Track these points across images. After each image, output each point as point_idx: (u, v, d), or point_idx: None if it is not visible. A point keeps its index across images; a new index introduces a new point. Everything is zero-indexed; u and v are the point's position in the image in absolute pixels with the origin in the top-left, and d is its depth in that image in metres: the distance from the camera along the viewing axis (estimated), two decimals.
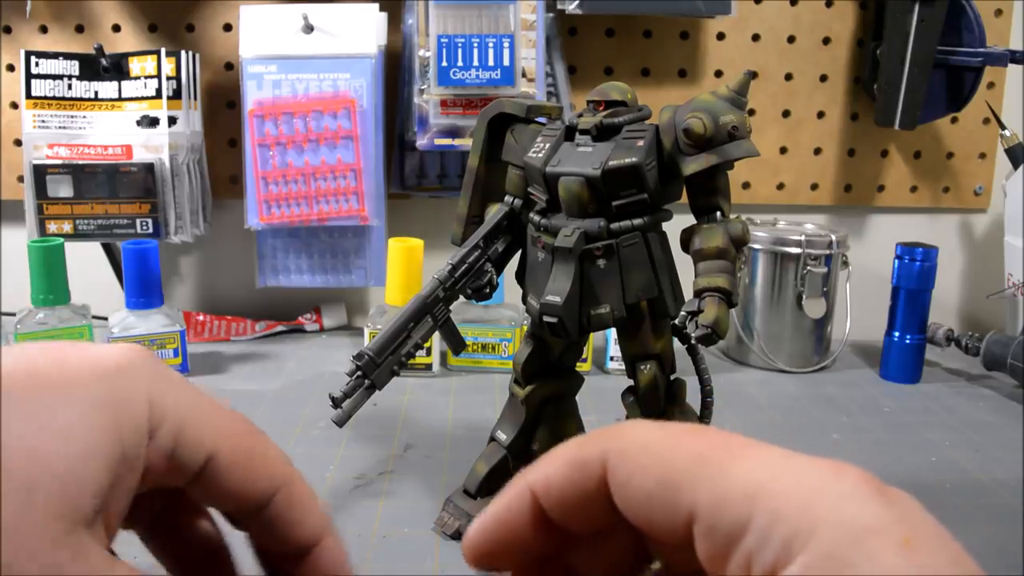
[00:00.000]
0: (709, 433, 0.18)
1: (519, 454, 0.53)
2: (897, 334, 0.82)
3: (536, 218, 0.49)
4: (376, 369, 0.48)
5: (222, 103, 0.91)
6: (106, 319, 0.79)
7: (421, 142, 0.83)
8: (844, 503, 0.15)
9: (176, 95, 0.82)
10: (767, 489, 0.16)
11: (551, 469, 0.20)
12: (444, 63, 0.80)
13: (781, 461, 0.17)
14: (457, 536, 0.51)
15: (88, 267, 0.88)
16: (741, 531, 0.16)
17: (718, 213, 0.48)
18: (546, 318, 0.47)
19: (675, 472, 0.18)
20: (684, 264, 0.49)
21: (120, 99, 0.84)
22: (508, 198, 0.52)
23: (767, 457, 0.17)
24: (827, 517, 0.15)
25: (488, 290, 0.51)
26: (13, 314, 0.78)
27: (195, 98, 0.85)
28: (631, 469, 0.19)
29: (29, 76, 0.82)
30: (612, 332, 0.78)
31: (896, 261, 0.81)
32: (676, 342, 0.51)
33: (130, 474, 0.19)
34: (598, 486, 0.19)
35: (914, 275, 0.80)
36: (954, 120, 0.95)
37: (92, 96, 0.83)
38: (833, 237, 0.82)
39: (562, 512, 0.20)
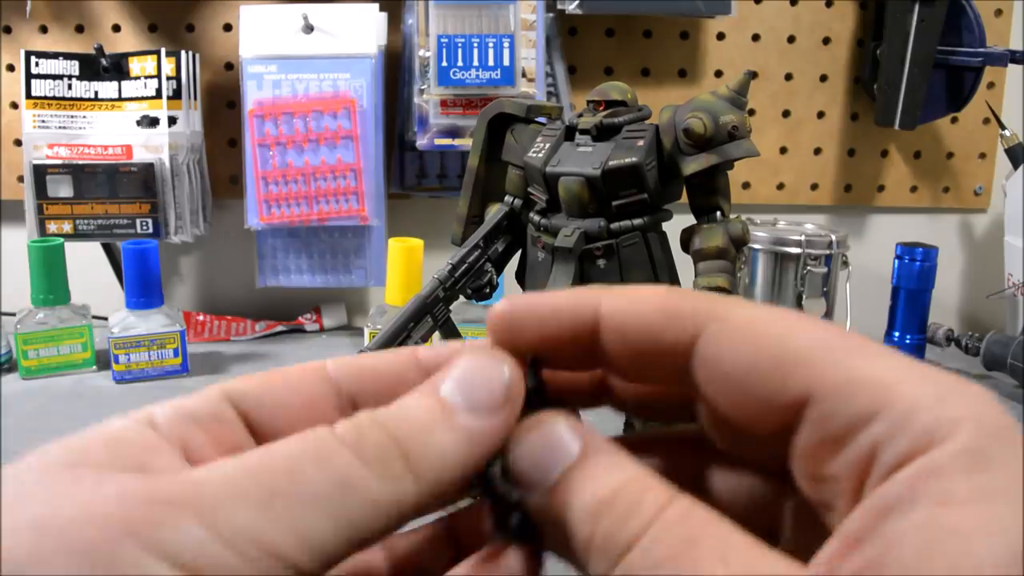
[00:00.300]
0: (826, 323, 0.17)
1: None
2: (897, 334, 0.82)
3: (536, 218, 0.49)
4: None
5: (222, 103, 0.91)
6: (106, 319, 0.79)
7: (421, 142, 0.83)
8: (982, 405, 0.15)
9: (176, 95, 0.83)
10: (903, 381, 0.15)
11: (632, 304, 0.19)
12: (444, 63, 0.80)
13: (910, 362, 0.16)
14: None
15: (88, 267, 0.88)
16: (867, 420, 0.15)
17: (718, 213, 0.48)
18: None
19: (791, 351, 0.16)
20: (684, 264, 0.49)
21: (120, 99, 0.84)
22: (508, 198, 0.52)
23: (896, 356, 0.16)
24: (968, 415, 0.15)
25: (488, 290, 0.51)
26: (13, 314, 0.78)
27: (195, 98, 0.85)
28: (736, 340, 0.17)
29: (29, 76, 0.82)
30: None
31: (896, 261, 0.81)
32: None
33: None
34: (679, 345, 0.18)
35: (914, 275, 0.80)
36: (954, 120, 0.95)
37: (92, 96, 0.83)
38: (833, 237, 0.82)
39: (622, 351, 0.19)
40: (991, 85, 0.94)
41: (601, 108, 0.48)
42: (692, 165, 0.46)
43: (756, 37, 0.93)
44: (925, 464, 0.14)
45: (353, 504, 0.16)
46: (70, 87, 0.83)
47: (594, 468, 0.17)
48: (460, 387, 0.18)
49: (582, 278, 0.47)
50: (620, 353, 0.19)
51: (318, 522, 0.16)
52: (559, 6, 0.85)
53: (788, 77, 0.94)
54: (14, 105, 0.89)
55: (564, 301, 0.19)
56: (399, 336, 0.49)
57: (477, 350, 0.19)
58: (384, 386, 0.21)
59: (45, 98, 0.82)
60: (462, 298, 0.51)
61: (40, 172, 0.81)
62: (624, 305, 0.19)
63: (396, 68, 0.88)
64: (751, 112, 0.93)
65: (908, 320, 0.81)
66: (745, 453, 0.20)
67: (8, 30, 0.88)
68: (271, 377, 0.20)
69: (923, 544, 0.14)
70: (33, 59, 0.82)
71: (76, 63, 0.83)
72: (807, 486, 0.17)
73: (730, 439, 0.20)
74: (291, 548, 0.15)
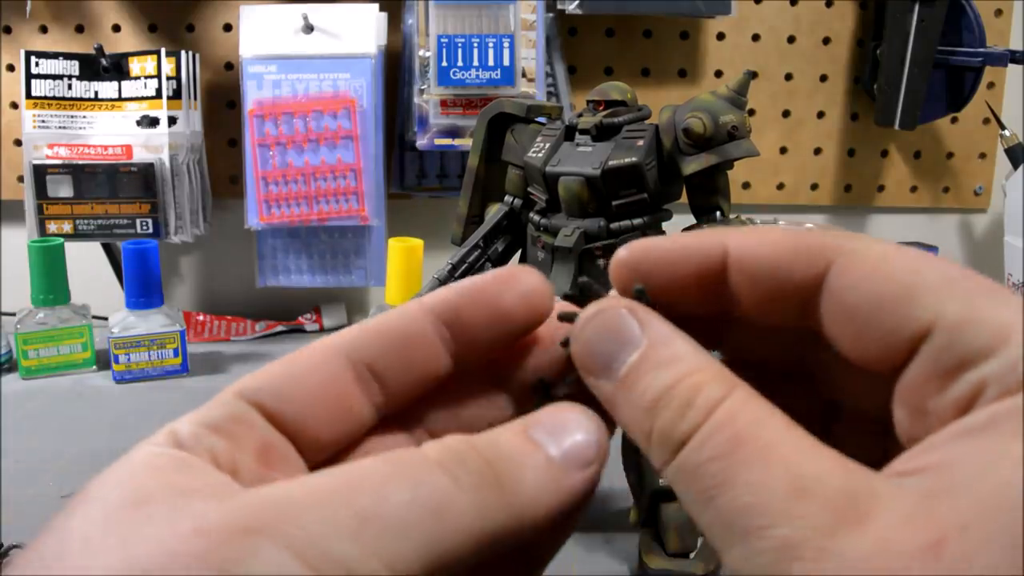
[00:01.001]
0: (954, 263, 0.18)
1: None
2: None
3: (536, 218, 0.49)
4: None
5: (222, 103, 0.91)
6: (106, 319, 0.79)
7: (421, 142, 0.83)
8: None
9: (176, 95, 0.83)
10: (1020, 324, 0.16)
11: (762, 241, 0.19)
12: (444, 63, 0.80)
13: None
14: None
15: (88, 267, 0.88)
16: (983, 356, 0.15)
17: (718, 213, 0.48)
18: None
19: (920, 283, 0.17)
20: None
21: (120, 99, 0.84)
22: (508, 198, 0.52)
23: (1017, 300, 0.16)
24: None
25: None
26: (13, 314, 0.78)
27: (195, 98, 0.85)
28: (866, 271, 0.17)
29: (29, 76, 0.82)
30: None
31: None
32: None
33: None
34: (809, 279, 0.18)
35: None
36: (954, 120, 0.95)
37: (92, 96, 0.83)
38: None
39: (750, 290, 0.19)
40: (991, 85, 0.94)
41: (601, 108, 0.48)
42: (692, 165, 0.46)
43: (756, 37, 0.93)
44: (1015, 402, 0.15)
45: (444, 531, 0.16)
46: (70, 87, 0.83)
47: (655, 360, 0.18)
48: (551, 433, 0.18)
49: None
50: (747, 292, 0.19)
51: (406, 549, 0.15)
52: (559, 6, 0.85)
53: (788, 77, 0.94)
54: (14, 105, 0.89)
55: (691, 242, 0.19)
56: None
57: (569, 406, 0.19)
58: (397, 343, 0.20)
59: (45, 98, 0.82)
60: None
61: (40, 172, 0.81)
62: (754, 242, 0.19)
63: (396, 68, 0.88)
64: (751, 112, 0.93)
65: None
66: (860, 402, 0.20)
67: (8, 30, 0.88)
68: (282, 365, 0.19)
69: (980, 465, 0.14)
70: (33, 59, 0.82)
71: (76, 63, 0.83)
72: (908, 420, 0.17)
73: (842, 388, 0.20)
74: (380, 572, 0.15)
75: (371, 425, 0.20)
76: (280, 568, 0.14)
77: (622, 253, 0.20)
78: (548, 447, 0.18)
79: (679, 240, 0.20)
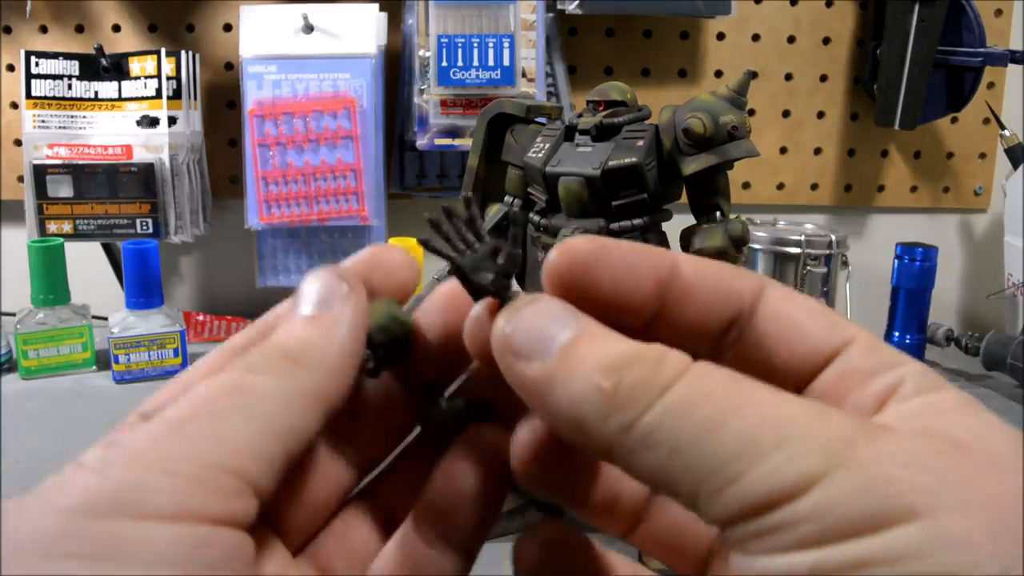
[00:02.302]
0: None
1: None
2: (897, 334, 0.82)
3: (536, 218, 0.49)
4: None
5: (222, 103, 0.91)
6: (106, 319, 0.79)
7: (421, 142, 0.83)
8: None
9: (176, 95, 0.82)
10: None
11: (705, 262, 0.20)
12: (444, 63, 0.80)
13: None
14: None
15: (88, 267, 0.88)
16: (899, 362, 0.19)
17: (718, 213, 0.48)
18: None
19: (832, 317, 0.20)
20: None
21: (120, 99, 0.84)
22: (508, 198, 0.52)
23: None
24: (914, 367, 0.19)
25: None
26: (13, 314, 0.78)
27: (195, 98, 0.85)
28: (795, 299, 0.20)
29: (29, 76, 0.82)
30: None
31: (896, 261, 0.81)
32: None
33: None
34: (746, 294, 0.20)
35: (914, 275, 0.80)
36: (954, 120, 0.95)
37: (92, 96, 0.83)
38: (833, 237, 0.82)
39: (690, 307, 0.20)
40: (991, 85, 0.94)
41: (601, 108, 0.48)
42: (692, 165, 0.46)
43: (756, 37, 0.93)
44: (930, 398, 0.18)
45: (258, 403, 0.18)
46: (70, 87, 0.83)
47: (602, 336, 0.18)
48: (297, 298, 0.21)
49: None
50: (690, 301, 0.20)
51: (236, 430, 0.18)
52: (559, 6, 0.85)
53: (788, 77, 0.94)
54: (14, 105, 0.89)
55: (643, 253, 0.20)
56: None
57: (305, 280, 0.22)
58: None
59: (45, 98, 0.82)
60: None
61: (40, 172, 0.81)
62: (698, 261, 0.21)
63: (396, 68, 0.88)
64: (751, 112, 0.93)
65: (908, 320, 0.81)
66: None
67: (8, 30, 0.88)
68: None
69: (929, 418, 0.17)
70: (33, 59, 0.82)
71: (76, 63, 0.83)
72: None
73: None
74: (226, 457, 0.17)
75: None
76: (157, 492, 0.17)
77: (579, 248, 0.20)
78: (301, 309, 0.21)
79: (633, 249, 0.20)
